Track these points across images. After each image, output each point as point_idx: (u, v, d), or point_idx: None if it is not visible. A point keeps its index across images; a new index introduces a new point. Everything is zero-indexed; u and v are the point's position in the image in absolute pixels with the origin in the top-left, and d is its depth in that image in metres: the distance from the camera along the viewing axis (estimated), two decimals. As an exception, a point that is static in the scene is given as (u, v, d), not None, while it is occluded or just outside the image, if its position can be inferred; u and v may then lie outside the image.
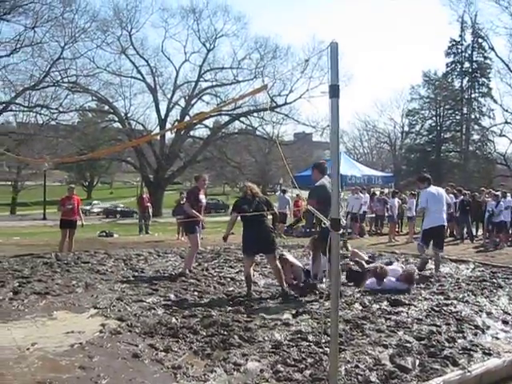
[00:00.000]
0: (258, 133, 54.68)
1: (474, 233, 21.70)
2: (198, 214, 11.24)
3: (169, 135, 53.50)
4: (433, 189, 11.91)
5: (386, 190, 27.85)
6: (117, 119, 50.39)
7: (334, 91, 3.65)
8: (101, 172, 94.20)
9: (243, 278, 9.85)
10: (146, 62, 50.15)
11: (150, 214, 26.34)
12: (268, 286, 10.03)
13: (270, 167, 61.25)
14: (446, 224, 12.06)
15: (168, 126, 51.72)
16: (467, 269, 12.61)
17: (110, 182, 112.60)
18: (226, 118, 53.37)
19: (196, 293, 9.35)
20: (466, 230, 21.27)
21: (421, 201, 12.11)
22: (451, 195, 22.45)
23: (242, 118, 52.71)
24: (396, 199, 23.37)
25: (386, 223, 24.25)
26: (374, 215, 25.40)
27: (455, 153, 68.69)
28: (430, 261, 12.27)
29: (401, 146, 73.78)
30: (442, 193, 12.12)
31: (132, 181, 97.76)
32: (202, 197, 11.57)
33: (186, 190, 18.82)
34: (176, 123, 50.52)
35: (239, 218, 9.32)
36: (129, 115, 50.69)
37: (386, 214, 23.86)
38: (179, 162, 52.22)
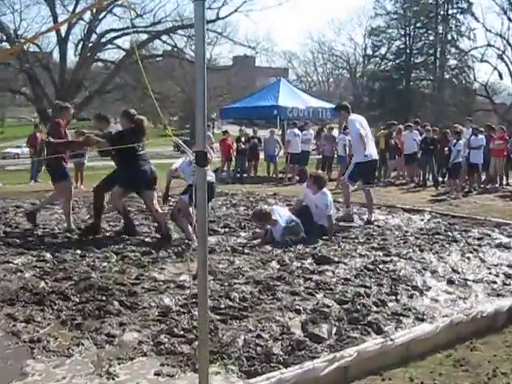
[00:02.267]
0: (186, 56, 53.39)
1: (441, 177, 22.08)
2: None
3: (72, 58, 52.02)
4: (357, 116, 12.70)
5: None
6: (4, 38, 48.64)
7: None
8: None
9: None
10: (39, -38, 48.40)
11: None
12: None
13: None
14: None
15: (71, 46, 50.28)
16: (421, 220, 12.92)
17: (1, 118, 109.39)
18: (145, 37, 52.20)
19: (79, 251, 9.30)
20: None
21: (353, 129, 12.50)
22: (415, 131, 22.80)
23: (164, 37, 51.67)
24: (347, 137, 23.24)
25: (336, 165, 24.47)
26: (320, 156, 25.60)
27: (427, 81, 69.41)
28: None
29: (362, 73, 74.00)
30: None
31: (29, 117, 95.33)
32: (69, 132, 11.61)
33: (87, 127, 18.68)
34: (81, 44, 49.07)
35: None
36: (19, 33, 48.90)
37: (336, 155, 23.97)
38: (84, 93, 50.97)
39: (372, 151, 12.56)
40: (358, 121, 12.49)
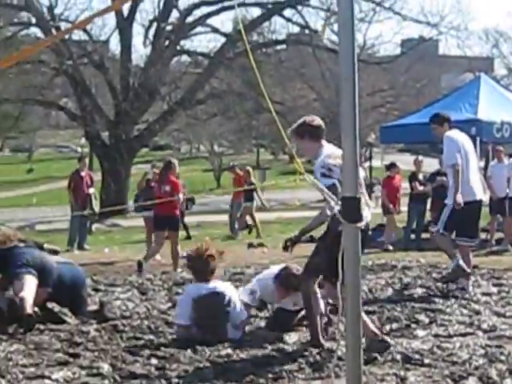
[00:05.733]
0: (324, 40, 38.38)
1: None
2: None
3: (140, 50, 37.49)
4: (458, 134, 10.07)
5: None
6: (33, 21, 34.29)
7: None
8: (6, 129, 47.81)
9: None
10: None
11: (95, 207, 18.80)
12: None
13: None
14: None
15: (139, 32, 35.61)
16: None
17: (30, 149, 74.34)
18: (257, 12, 36.65)
19: (154, 359, 6.40)
20: None
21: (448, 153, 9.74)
22: None
23: (287, 12, 36.09)
24: None
25: None
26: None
27: None
28: None
29: None
30: None
31: (73, 144, 74.26)
32: None
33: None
34: (155, 27, 34.43)
35: None
36: (57, 12, 34.58)
37: None
38: (160, 105, 37.22)
39: (475, 188, 9.72)
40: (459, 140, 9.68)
